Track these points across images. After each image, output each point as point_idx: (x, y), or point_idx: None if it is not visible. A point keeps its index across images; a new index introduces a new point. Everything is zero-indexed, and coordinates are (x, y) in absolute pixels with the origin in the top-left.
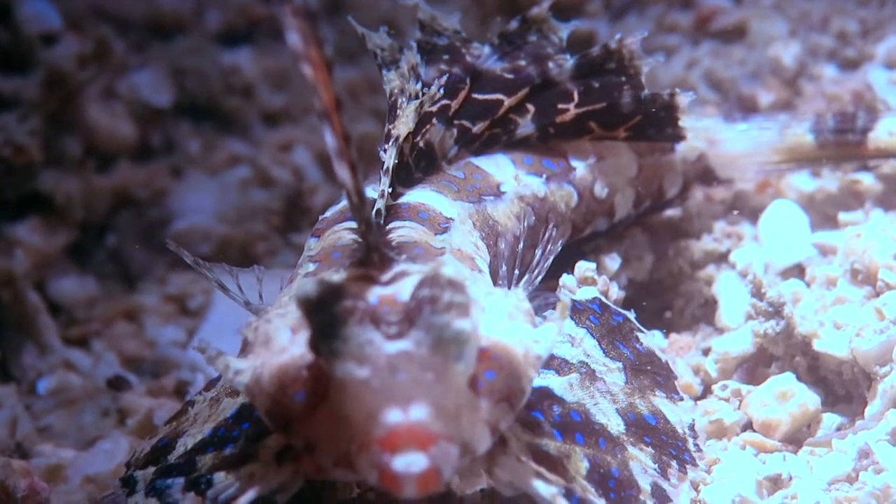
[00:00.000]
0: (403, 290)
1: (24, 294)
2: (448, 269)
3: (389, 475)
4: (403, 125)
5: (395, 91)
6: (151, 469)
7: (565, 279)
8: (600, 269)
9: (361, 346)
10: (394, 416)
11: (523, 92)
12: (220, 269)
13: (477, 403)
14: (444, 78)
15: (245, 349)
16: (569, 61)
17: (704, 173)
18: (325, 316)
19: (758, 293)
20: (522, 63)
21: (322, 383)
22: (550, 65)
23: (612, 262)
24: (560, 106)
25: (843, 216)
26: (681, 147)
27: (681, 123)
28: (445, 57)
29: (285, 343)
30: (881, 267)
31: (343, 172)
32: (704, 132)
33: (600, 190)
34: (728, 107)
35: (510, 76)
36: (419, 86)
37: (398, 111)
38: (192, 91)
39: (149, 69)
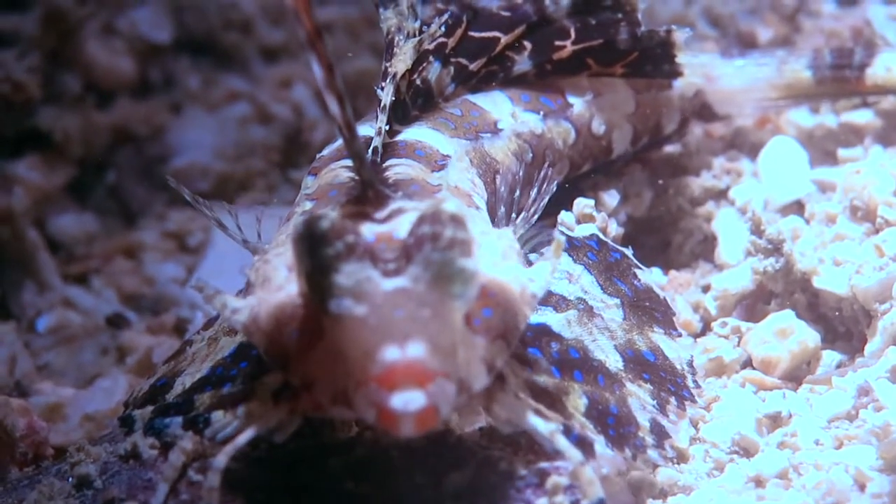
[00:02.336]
0: (400, 226)
1: (24, 231)
2: (449, 205)
3: (387, 413)
4: (401, 63)
5: (392, 29)
6: (149, 408)
7: (564, 216)
8: (599, 206)
9: (359, 283)
10: (391, 353)
11: (520, 29)
12: (219, 206)
13: (473, 341)
14: (445, 16)
15: (247, 290)
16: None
17: (702, 109)
18: (322, 254)
19: (757, 230)
20: (519, 1)
21: (318, 321)
22: (547, 2)
23: (611, 198)
24: (557, 43)
25: (842, 152)
26: (678, 83)
27: (678, 60)
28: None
29: (281, 281)
30: (880, 203)
31: (332, 104)
32: (702, 68)
33: (598, 126)
34: (727, 43)
35: (507, 13)
36: (417, 24)
37: (395, 49)
38: (191, 27)
39: (148, 5)
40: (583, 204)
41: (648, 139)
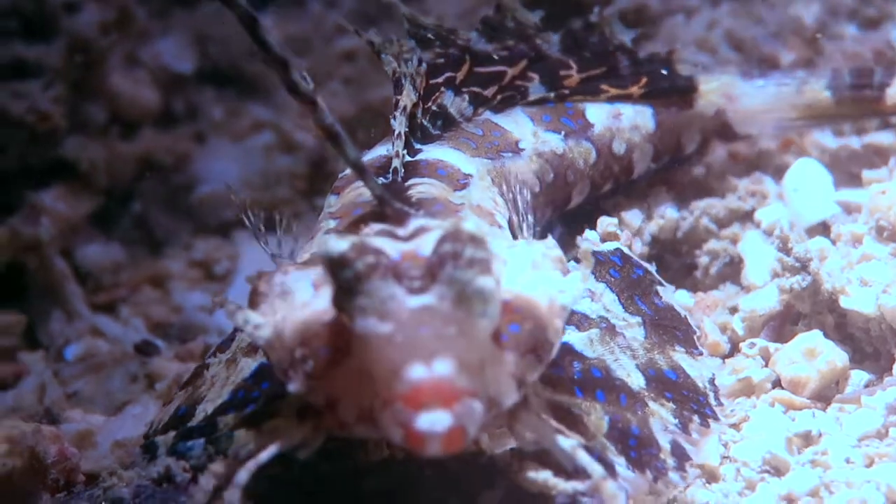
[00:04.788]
0: (424, 245)
1: (51, 261)
2: (469, 224)
3: (414, 434)
4: (407, 97)
5: (397, 71)
6: (172, 434)
7: (588, 234)
8: (623, 225)
9: (384, 301)
10: (417, 372)
11: (523, 63)
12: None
13: (501, 357)
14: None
15: (255, 299)
16: (554, 37)
17: (723, 129)
18: (348, 272)
19: (784, 249)
20: (511, 42)
21: (344, 339)
22: (538, 41)
23: (635, 218)
24: (562, 73)
25: (866, 174)
26: (699, 103)
27: (692, 77)
28: (438, 43)
29: (307, 298)
30: None
31: (341, 151)
32: (722, 88)
33: (619, 146)
34: (749, 67)
35: (504, 53)
36: (419, 65)
37: (402, 87)
38: (215, 57)
39: (171, 36)
40: (607, 222)
41: (669, 159)
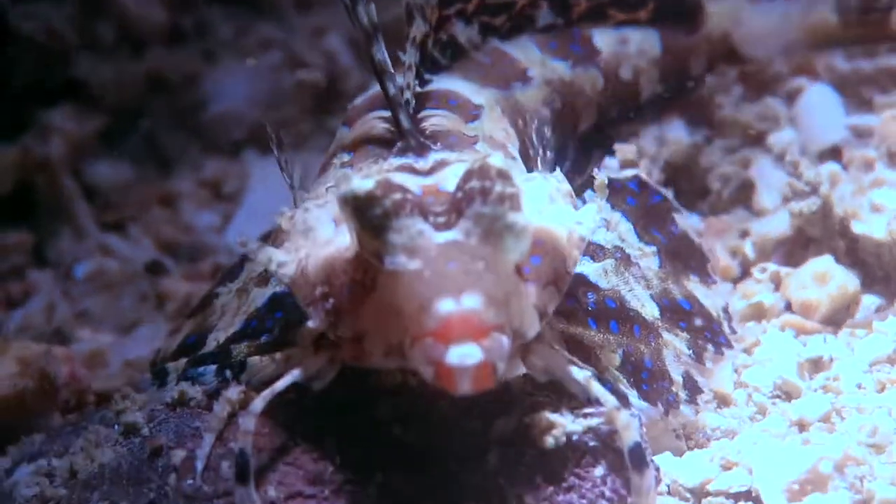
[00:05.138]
0: (445, 179)
1: (60, 179)
2: (495, 159)
3: (445, 369)
4: (417, 29)
5: (409, 2)
6: (183, 360)
7: (607, 162)
8: (640, 153)
9: (411, 238)
10: (446, 306)
11: None
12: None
13: (524, 289)
14: None
15: (279, 237)
16: None
17: (729, 52)
18: (376, 210)
19: (795, 173)
20: None
21: (370, 274)
22: None
23: (650, 144)
24: (571, 1)
25: (878, 99)
26: (705, 26)
27: (699, 0)
28: None
29: (329, 235)
30: None
31: (378, 53)
32: (728, 11)
33: (626, 72)
34: None
35: None
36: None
37: (413, 18)
38: None
39: None
40: (626, 150)
41: (676, 82)
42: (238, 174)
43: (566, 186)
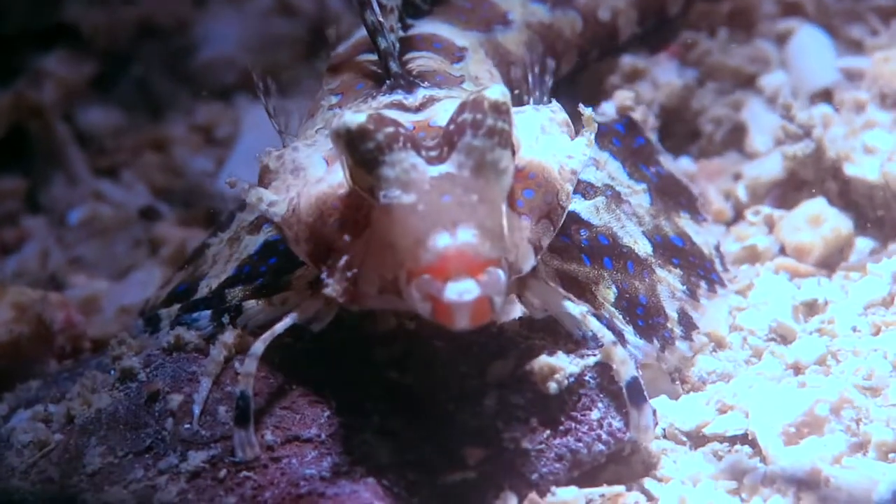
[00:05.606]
0: (435, 114)
1: (53, 125)
2: (492, 91)
3: (442, 305)
4: None
5: None
6: (176, 307)
7: (605, 107)
8: (637, 98)
9: (405, 171)
10: (442, 240)
11: None
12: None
13: (519, 223)
14: None
15: (266, 176)
16: None
17: None
18: (369, 143)
19: (788, 116)
20: None
21: (363, 211)
22: None
23: (644, 89)
24: None
25: (868, 40)
26: None
27: None
28: None
29: (320, 173)
30: None
31: (374, 39)
32: None
33: (604, 13)
34: None
35: None
36: None
37: None
38: None
39: None
40: (623, 95)
41: (654, 22)
42: (230, 119)
43: (562, 115)
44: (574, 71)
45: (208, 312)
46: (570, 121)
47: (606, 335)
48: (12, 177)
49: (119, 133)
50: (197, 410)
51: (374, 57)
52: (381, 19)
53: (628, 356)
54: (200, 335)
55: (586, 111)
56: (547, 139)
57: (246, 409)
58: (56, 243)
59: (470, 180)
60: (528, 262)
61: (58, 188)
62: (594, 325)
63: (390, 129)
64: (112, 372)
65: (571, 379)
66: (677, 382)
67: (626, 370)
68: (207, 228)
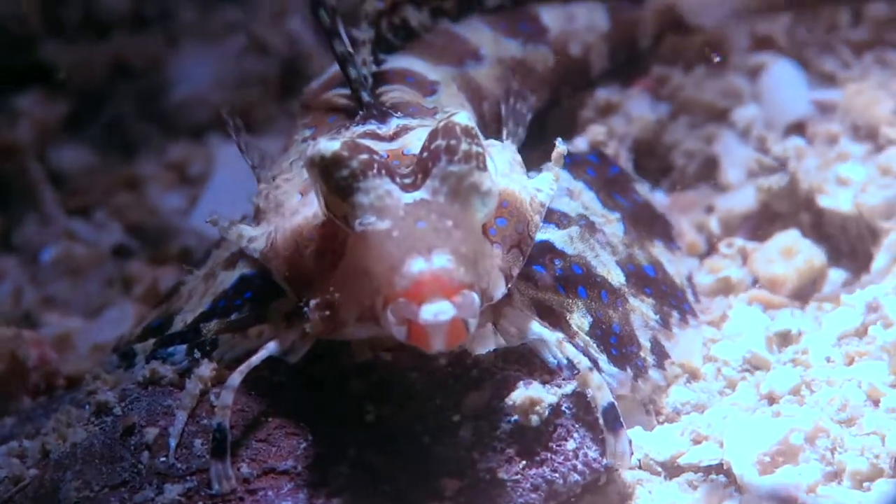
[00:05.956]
0: (408, 142)
1: (27, 165)
2: (460, 117)
3: (417, 327)
4: (370, 4)
5: None
6: (151, 341)
7: (577, 142)
8: (610, 133)
9: (380, 198)
10: (417, 265)
11: None
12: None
13: (491, 250)
14: None
15: (257, 216)
16: None
17: (675, 21)
18: (344, 171)
19: (762, 148)
20: None
21: (339, 240)
22: None
23: (617, 123)
24: None
25: (841, 73)
26: None
27: None
28: None
29: (295, 205)
30: (882, 123)
31: (340, 46)
32: None
33: (575, 48)
34: None
35: None
36: None
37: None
38: None
39: None
40: (595, 130)
41: (626, 56)
42: (203, 157)
43: (518, 157)
44: (547, 105)
45: (184, 346)
46: (522, 162)
47: (583, 361)
48: None
49: (92, 172)
50: (173, 443)
51: (346, 91)
52: (350, 49)
53: (604, 382)
54: (176, 369)
55: (560, 146)
56: (515, 174)
57: (222, 442)
58: (29, 282)
59: (445, 206)
60: (499, 290)
61: (31, 227)
62: (570, 351)
63: (364, 157)
64: (87, 406)
65: (550, 409)
66: (651, 413)
67: (602, 395)
68: (180, 266)
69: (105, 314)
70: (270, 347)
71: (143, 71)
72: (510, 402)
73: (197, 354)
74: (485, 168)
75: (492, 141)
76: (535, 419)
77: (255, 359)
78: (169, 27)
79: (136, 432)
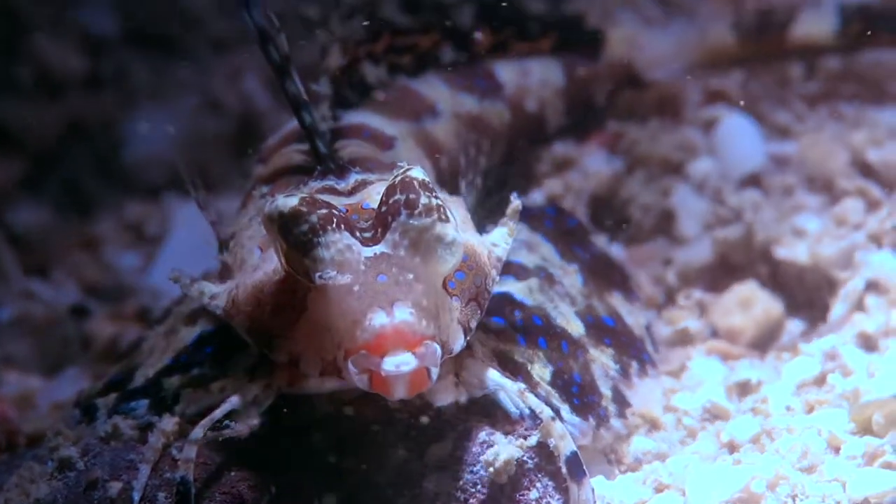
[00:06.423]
0: (367, 197)
1: None
2: (416, 172)
3: (379, 378)
4: (333, 59)
5: (325, 40)
6: (113, 396)
7: (534, 196)
8: (567, 188)
9: (341, 251)
10: (379, 319)
11: (436, 32)
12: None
13: (451, 303)
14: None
15: (224, 273)
16: (468, 10)
17: (631, 77)
18: (303, 226)
19: (718, 199)
20: (427, 16)
21: (300, 295)
22: (452, 14)
23: (574, 179)
24: (474, 38)
25: (794, 126)
26: (606, 53)
27: (599, 28)
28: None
29: (256, 262)
30: (837, 174)
31: (291, 86)
32: (628, 37)
33: (531, 104)
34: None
35: (420, 25)
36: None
37: (330, 51)
38: (140, 20)
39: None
40: (552, 185)
41: (581, 112)
42: (159, 216)
43: (468, 214)
44: (504, 160)
45: (146, 401)
46: (470, 218)
47: (545, 410)
48: None
49: (48, 232)
50: (137, 497)
51: (304, 146)
52: (302, 89)
53: (567, 431)
54: (138, 424)
55: (515, 201)
56: (468, 228)
57: (186, 495)
58: None
59: (406, 259)
60: (458, 343)
61: None
62: (532, 401)
63: (323, 211)
64: (49, 462)
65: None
66: (613, 462)
67: (565, 445)
68: (138, 324)
69: (64, 373)
70: (233, 401)
71: (98, 130)
72: (479, 457)
73: (159, 409)
74: (447, 219)
75: (447, 196)
76: (504, 479)
77: (218, 412)
78: (123, 86)
79: (99, 487)
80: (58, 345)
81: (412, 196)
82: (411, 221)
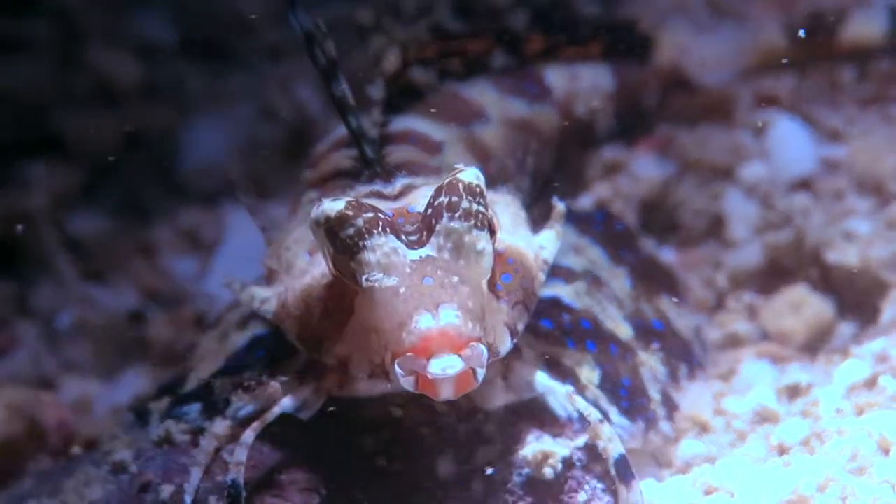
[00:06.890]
0: (414, 201)
1: (42, 231)
2: (466, 174)
3: (426, 381)
4: (389, 64)
5: (380, 45)
6: (166, 400)
7: (583, 201)
8: (617, 193)
9: (387, 254)
10: (425, 321)
11: (488, 37)
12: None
13: (497, 306)
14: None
15: (270, 277)
16: (521, 14)
17: (681, 81)
18: (350, 229)
19: (768, 204)
20: (479, 21)
21: (347, 298)
22: (505, 18)
23: (624, 183)
24: (526, 43)
25: (845, 129)
26: (655, 57)
27: (649, 32)
28: (422, 21)
29: (304, 266)
30: (888, 177)
31: (337, 89)
32: (678, 41)
33: (580, 108)
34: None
35: (471, 29)
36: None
37: (387, 56)
38: (197, 28)
39: (153, 9)
40: (601, 189)
41: (631, 116)
42: (215, 223)
43: (523, 213)
44: (553, 165)
45: (198, 405)
46: (527, 218)
47: (593, 413)
48: (3, 282)
49: (107, 238)
50: (188, 500)
51: (352, 151)
52: (349, 94)
53: (615, 434)
54: (190, 428)
55: (559, 205)
56: (519, 229)
57: (237, 498)
58: (46, 347)
59: (451, 262)
60: (505, 346)
61: (47, 292)
62: (581, 403)
63: (370, 215)
64: (104, 465)
65: (562, 462)
66: (662, 465)
67: (613, 447)
68: (194, 329)
69: (122, 378)
70: (284, 404)
71: (155, 139)
72: (523, 456)
73: (211, 413)
74: (483, 227)
75: (496, 197)
76: (548, 472)
77: (269, 416)
78: (180, 95)
79: (151, 490)
80: (116, 350)
81: (455, 199)
82: (452, 224)
